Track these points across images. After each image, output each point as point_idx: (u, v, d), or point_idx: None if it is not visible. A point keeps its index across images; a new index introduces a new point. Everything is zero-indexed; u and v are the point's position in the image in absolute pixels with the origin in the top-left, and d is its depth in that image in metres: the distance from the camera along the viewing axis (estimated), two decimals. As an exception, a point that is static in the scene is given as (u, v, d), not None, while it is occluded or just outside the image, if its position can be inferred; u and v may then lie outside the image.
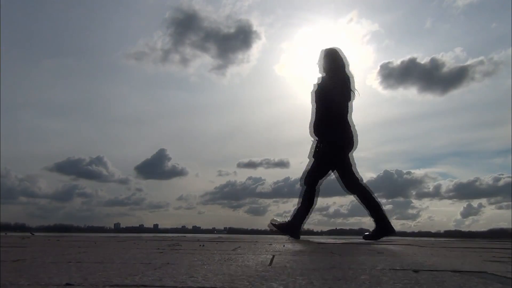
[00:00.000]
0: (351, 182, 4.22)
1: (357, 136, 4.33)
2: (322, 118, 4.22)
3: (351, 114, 4.36)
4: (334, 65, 4.31)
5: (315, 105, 4.26)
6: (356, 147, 4.34)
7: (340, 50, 4.40)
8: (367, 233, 4.21)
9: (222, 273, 1.15)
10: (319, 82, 4.29)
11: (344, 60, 4.35)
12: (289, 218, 4.30)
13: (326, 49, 4.41)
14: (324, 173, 4.28)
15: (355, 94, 4.34)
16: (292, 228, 4.21)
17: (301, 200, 4.25)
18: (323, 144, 4.21)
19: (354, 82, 4.36)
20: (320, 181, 4.28)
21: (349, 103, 4.33)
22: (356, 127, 4.33)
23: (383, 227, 4.08)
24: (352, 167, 4.26)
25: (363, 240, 4.04)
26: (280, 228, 4.27)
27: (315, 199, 4.28)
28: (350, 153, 4.30)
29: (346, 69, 4.33)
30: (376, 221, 4.10)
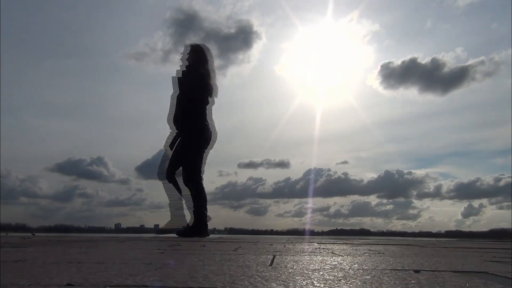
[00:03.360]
0: (190, 176, 4.33)
1: (216, 136, 4.49)
2: (184, 110, 4.34)
3: (211, 111, 4.53)
4: (197, 59, 4.46)
5: (177, 96, 4.37)
6: (212, 145, 4.50)
7: (205, 46, 4.58)
8: (181, 229, 4.34)
9: (223, 273, 1.15)
10: (180, 75, 4.42)
11: (207, 54, 4.52)
12: (189, 220, 4.34)
13: (192, 45, 4.57)
14: (180, 165, 4.38)
15: (215, 89, 4.50)
16: (199, 227, 4.26)
17: (178, 196, 4.38)
18: (184, 136, 4.33)
19: (215, 76, 4.52)
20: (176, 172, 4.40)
21: (210, 99, 4.50)
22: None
23: (197, 227, 4.25)
24: (202, 163, 4.43)
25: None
26: (188, 234, 4.26)
27: (181, 189, 4.40)
28: (207, 148, 4.46)
29: (208, 64, 4.50)
30: (195, 219, 4.26)
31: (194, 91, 4.38)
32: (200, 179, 4.42)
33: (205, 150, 4.47)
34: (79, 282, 0.96)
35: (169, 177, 4.39)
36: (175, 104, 4.37)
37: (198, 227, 4.26)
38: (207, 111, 4.48)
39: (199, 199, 4.35)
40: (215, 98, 4.57)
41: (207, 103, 4.47)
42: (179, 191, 4.43)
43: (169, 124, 4.41)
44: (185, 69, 4.45)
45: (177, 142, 4.40)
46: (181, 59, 4.50)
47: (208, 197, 4.49)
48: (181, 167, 4.41)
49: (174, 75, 4.43)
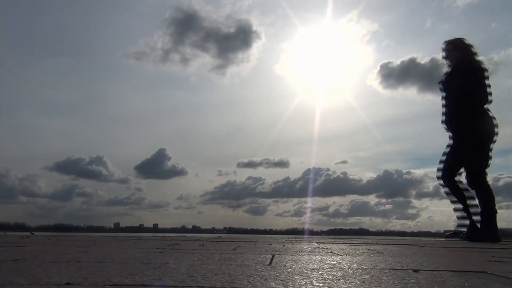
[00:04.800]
0: (472, 177, 4.19)
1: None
2: None
3: None
4: None
5: None
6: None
7: None
8: (470, 234, 4.14)
9: (222, 272, 1.15)
10: None
11: None
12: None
13: None
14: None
15: None
16: (487, 231, 3.94)
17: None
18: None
19: None
20: None
21: None
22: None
23: (485, 231, 3.99)
24: None
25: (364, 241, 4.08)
26: (475, 238, 3.98)
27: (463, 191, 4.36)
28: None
29: None
30: (484, 222, 4.05)
31: None
32: (484, 179, 4.17)
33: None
34: (78, 281, 0.96)
35: (446, 180, 4.28)
36: None
37: (487, 231, 3.97)
38: None
39: (488, 201, 4.11)
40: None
41: None
42: (460, 194, 4.27)
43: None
44: None
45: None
46: None
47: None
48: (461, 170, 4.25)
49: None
